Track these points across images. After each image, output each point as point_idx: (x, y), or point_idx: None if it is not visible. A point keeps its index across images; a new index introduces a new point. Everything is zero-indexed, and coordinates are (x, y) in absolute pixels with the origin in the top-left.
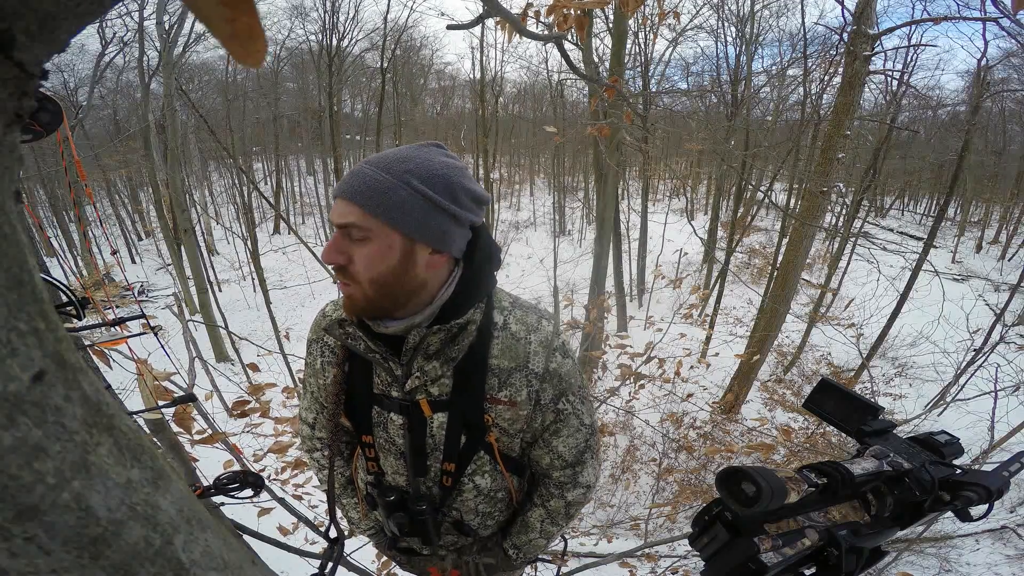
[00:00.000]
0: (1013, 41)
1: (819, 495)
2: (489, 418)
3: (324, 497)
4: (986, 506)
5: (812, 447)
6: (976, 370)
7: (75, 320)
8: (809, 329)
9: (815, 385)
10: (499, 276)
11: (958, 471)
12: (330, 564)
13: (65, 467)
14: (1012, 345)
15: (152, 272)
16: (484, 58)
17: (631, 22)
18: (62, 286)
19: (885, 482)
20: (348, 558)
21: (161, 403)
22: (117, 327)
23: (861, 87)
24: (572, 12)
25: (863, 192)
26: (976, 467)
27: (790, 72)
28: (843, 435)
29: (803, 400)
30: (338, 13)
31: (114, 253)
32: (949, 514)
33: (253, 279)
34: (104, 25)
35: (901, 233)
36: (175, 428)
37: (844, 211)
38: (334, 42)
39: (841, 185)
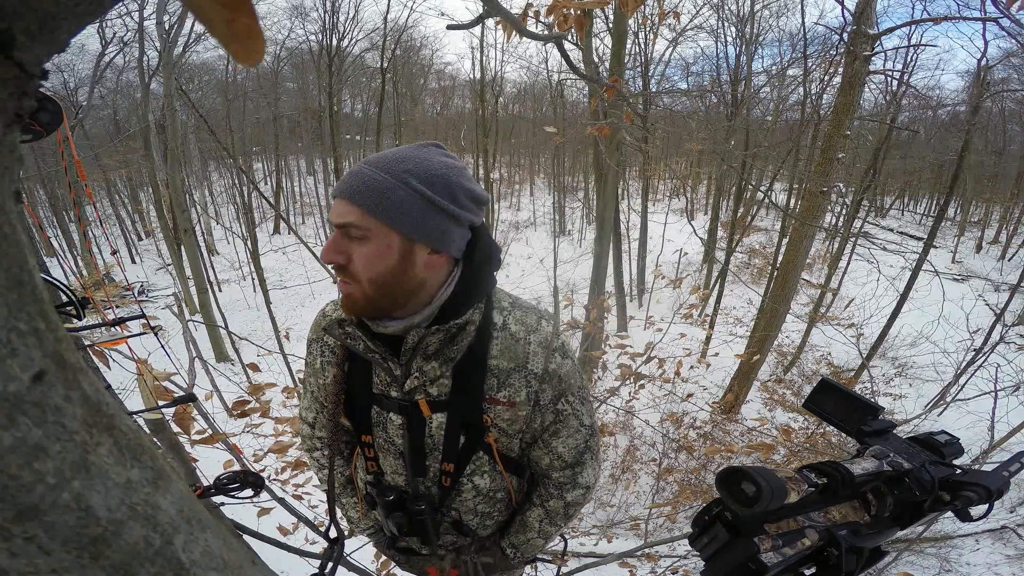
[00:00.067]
0: (1013, 41)
1: (819, 495)
2: (488, 418)
3: (324, 497)
4: (986, 506)
5: (812, 447)
6: (976, 370)
7: (75, 320)
8: (809, 329)
9: (815, 385)
10: (499, 276)
11: (958, 471)
12: (330, 564)
13: (65, 467)
14: (1012, 345)
15: (152, 272)
16: (484, 58)
17: (631, 22)
18: (62, 286)
19: (885, 482)
20: (348, 558)
21: (161, 403)
22: (117, 327)
23: (861, 87)
24: (572, 12)
25: (863, 192)
26: (976, 467)
27: (790, 72)
28: (843, 435)
29: (803, 400)
30: (338, 13)
31: (114, 253)
32: (949, 514)
33: (253, 279)
34: (104, 25)
35: (901, 233)
36: (175, 428)
37: (844, 211)
38: (334, 42)
39: (841, 185)
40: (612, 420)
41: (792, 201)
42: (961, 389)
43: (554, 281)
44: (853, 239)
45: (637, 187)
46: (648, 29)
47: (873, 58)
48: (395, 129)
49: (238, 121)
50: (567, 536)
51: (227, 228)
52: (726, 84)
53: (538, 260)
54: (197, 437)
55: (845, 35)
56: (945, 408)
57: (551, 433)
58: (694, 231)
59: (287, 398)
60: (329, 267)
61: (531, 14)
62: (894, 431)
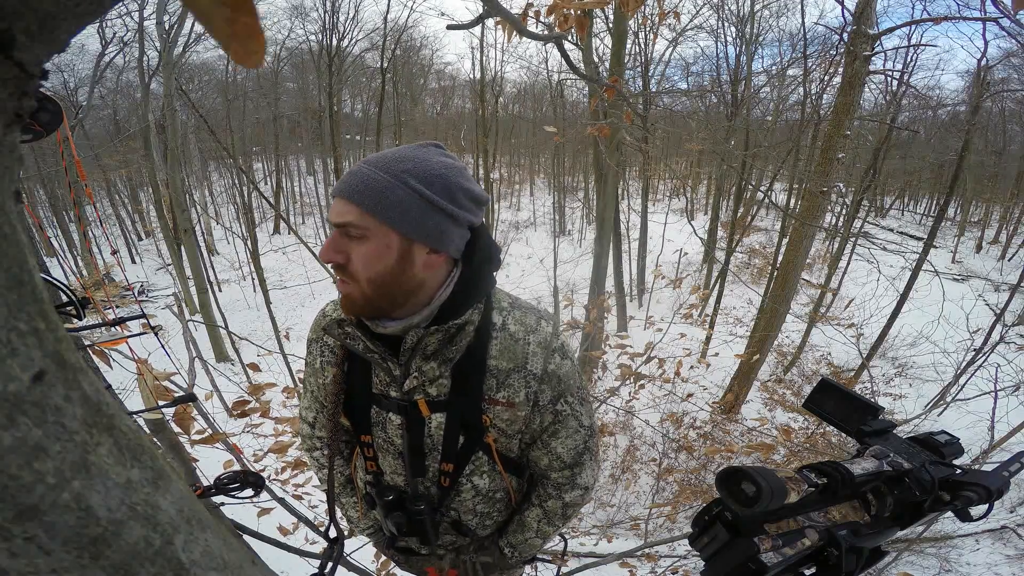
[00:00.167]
0: (1013, 41)
1: (819, 495)
2: (487, 419)
3: (324, 497)
4: (986, 506)
5: (812, 447)
6: (976, 370)
7: (75, 320)
8: (809, 329)
9: (815, 385)
10: (499, 276)
11: (958, 471)
12: (330, 564)
13: (65, 467)
14: (1012, 345)
15: (152, 272)
16: (484, 58)
17: (631, 22)
18: (62, 286)
19: (885, 482)
20: (348, 558)
21: (161, 403)
22: (117, 327)
23: (861, 87)
24: (572, 12)
25: (863, 192)
26: (976, 467)
27: (790, 72)
28: (843, 435)
29: (803, 400)
30: (338, 13)
31: (114, 253)
32: (949, 514)
33: (253, 279)
34: (104, 25)
35: (901, 233)
36: (175, 428)
37: (844, 211)
38: (334, 42)
39: (841, 185)
40: (612, 420)
41: (792, 201)
42: (961, 389)
43: (554, 281)
44: (853, 239)
45: (637, 187)
46: (648, 29)
47: (873, 58)
48: (395, 129)
49: (238, 121)
50: (567, 536)
51: (227, 228)
52: (726, 84)
53: (538, 260)
54: (197, 437)
55: (845, 35)
56: (945, 408)
57: (550, 434)
58: (694, 231)
59: (287, 398)
60: (328, 267)
61: (531, 14)
62: (894, 431)
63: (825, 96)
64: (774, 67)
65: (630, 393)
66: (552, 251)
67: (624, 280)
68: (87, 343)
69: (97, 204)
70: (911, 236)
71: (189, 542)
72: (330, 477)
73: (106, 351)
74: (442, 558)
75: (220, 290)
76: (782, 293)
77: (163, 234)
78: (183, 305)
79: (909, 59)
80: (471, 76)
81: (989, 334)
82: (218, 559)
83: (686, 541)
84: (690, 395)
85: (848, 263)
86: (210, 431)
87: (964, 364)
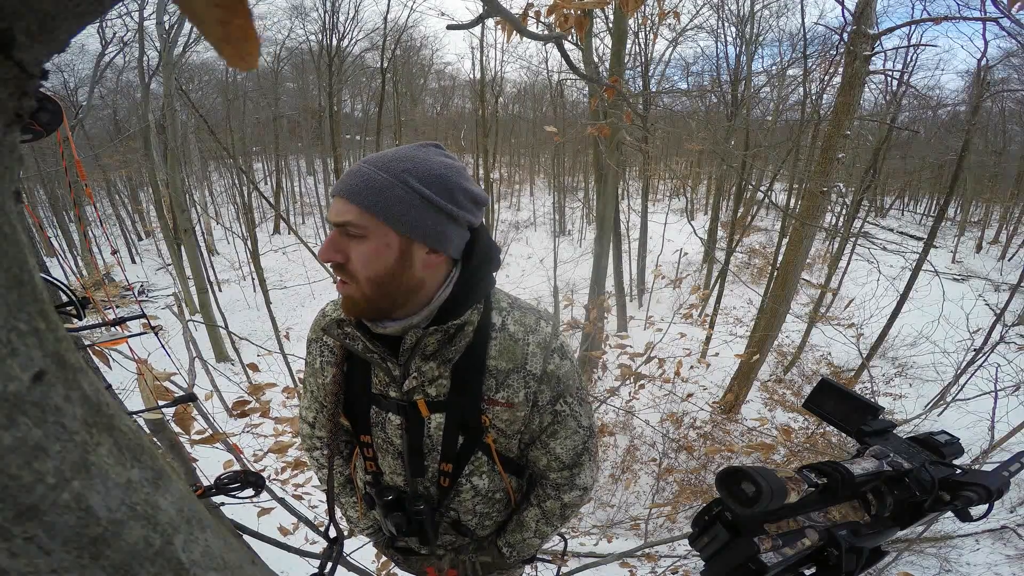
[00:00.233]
0: (1013, 41)
1: (819, 495)
2: (486, 419)
3: (324, 497)
4: (986, 506)
5: (812, 447)
6: (976, 370)
7: (75, 320)
8: (809, 329)
9: (815, 385)
10: (499, 276)
11: (958, 471)
12: (330, 564)
13: (65, 467)
14: (1012, 345)
15: (152, 272)
16: (484, 58)
17: (631, 22)
18: (62, 286)
19: (885, 482)
20: (348, 558)
21: (161, 403)
22: (117, 327)
23: (861, 87)
24: (572, 12)
25: (863, 192)
26: (976, 467)
27: (790, 72)
28: (843, 435)
29: (803, 400)
30: (338, 13)
31: (114, 253)
32: (949, 514)
33: (253, 279)
34: (104, 25)
35: (901, 233)
36: (175, 428)
37: (844, 211)
38: (334, 42)
39: (841, 185)
40: (612, 420)
41: (792, 201)
42: (961, 389)
43: (554, 281)
44: (853, 239)
45: (637, 187)
46: (648, 29)
47: (873, 58)
48: (395, 129)
49: (238, 121)
50: (567, 536)
51: (227, 228)
52: (726, 84)
53: (538, 260)
54: (197, 437)
55: (845, 35)
56: (945, 408)
57: (549, 434)
58: (694, 231)
59: (287, 398)
60: (328, 266)
61: (531, 14)
62: (894, 431)
63: (825, 96)
64: (774, 67)
65: (630, 393)
66: (552, 251)
67: (624, 280)
68: (87, 343)
69: (97, 204)
70: (911, 236)
71: (189, 542)
72: (330, 477)
73: (106, 351)
74: (441, 558)
75: (220, 290)
76: (782, 293)
77: (163, 234)
78: (183, 305)
79: (909, 59)
80: (471, 76)
81: (989, 334)
82: (218, 559)
83: (686, 541)
84: (690, 395)
85: (848, 263)
86: (210, 431)
87: (964, 364)
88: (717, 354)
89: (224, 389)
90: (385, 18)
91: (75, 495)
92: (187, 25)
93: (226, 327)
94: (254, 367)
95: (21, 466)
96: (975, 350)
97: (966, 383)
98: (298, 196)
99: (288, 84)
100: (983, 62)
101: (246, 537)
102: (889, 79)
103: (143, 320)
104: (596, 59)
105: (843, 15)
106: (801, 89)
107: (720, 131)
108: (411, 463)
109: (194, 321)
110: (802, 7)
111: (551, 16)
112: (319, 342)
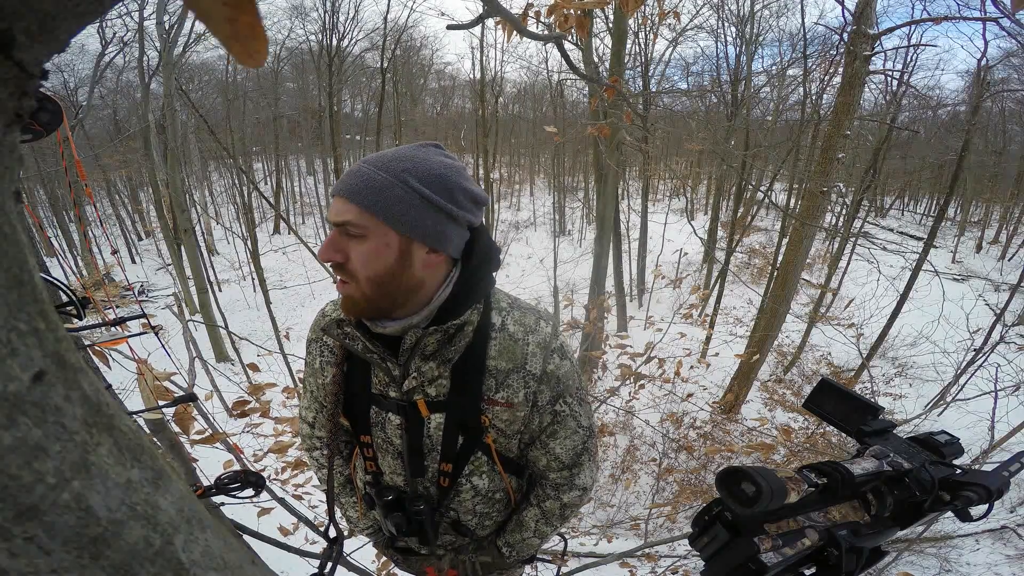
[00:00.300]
0: (1013, 41)
1: (819, 495)
2: (486, 419)
3: (324, 497)
4: (986, 506)
5: (812, 447)
6: (976, 370)
7: (75, 320)
8: (809, 329)
9: (815, 385)
10: (499, 276)
11: (958, 471)
12: (330, 564)
13: (65, 467)
14: (1012, 345)
15: (152, 272)
16: (484, 58)
17: (631, 22)
18: (62, 286)
19: (885, 482)
20: (348, 558)
21: (161, 403)
22: (117, 327)
23: (861, 87)
24: (572, 12)
25: (863, 192)
26: (976, 467)
27: (790, 72)
28: (843, 435)
29: (803, 400)
30: (338, 13)
31: (114, 253)
32: (949, 514)
33: (253, 279)
34: (104, 25)
35: (901, 233)
36: (175, 428)
37: (844, 211)
38: (334, 42)
39: (841, 185)
40: (612, 420)
41: (792, 201)
42: (961, 389)
43: (554, 281)
44: (853, 239)
45: (637, 187)
46: (648, 29)
47: (873, 58)
48: (395, 129)
49: (238, 121)
50: (567, 536)
51: (227, 228)
52: (726, 84)
53: (538, 260)
54: (197, 437)
55: (845, 35)
56: (945, 408)
57: (549, 434)
58: (694, 231)
59: (287, 398)
60: (327, 266)
61: (531, 14)
62: (894, 431)
63: (825, 96)
64: (774, 67)
65: (630, 393)
66: (552, 251)
67: (624, 280)
68: (87, 343)
69: (97, 204)
70: (911, 236)
71: (189, 542)
72: (329, 477)
73: (106, 351)
74: (441, 558)
75: (220, 290)
76: (782, 293)
77: (163, 234)
78: (183, 305)
79: (909, 59)
80: (471, 76)
81: (989, 334)
82: (218, 559)
83: (686, 541)
84: (690, 395)
85: (848, 263)
86: (210, 431)
87: (964, 364)
88: (717, 354)
89: (224, 389)
90: (385, 18)
91: (75, 495)
92: (187, 25)
93: (226, 327)
94: (254, 367)
95: (21, 466)
96: (975, 350)
97: (966, 383)
98: (298, 196)
99: (288, 84)
100: (983, 62)
101: (246, 537)
102: (889, 79)
103: (143, 320)
104: (596, 59)
105: (843, 15)
106: (801, 89)
107: (720, 131)
108: (411, 463)
109: (194, 321)
110: (802, 7)
111: (551, 16)
112: (319, 342)
